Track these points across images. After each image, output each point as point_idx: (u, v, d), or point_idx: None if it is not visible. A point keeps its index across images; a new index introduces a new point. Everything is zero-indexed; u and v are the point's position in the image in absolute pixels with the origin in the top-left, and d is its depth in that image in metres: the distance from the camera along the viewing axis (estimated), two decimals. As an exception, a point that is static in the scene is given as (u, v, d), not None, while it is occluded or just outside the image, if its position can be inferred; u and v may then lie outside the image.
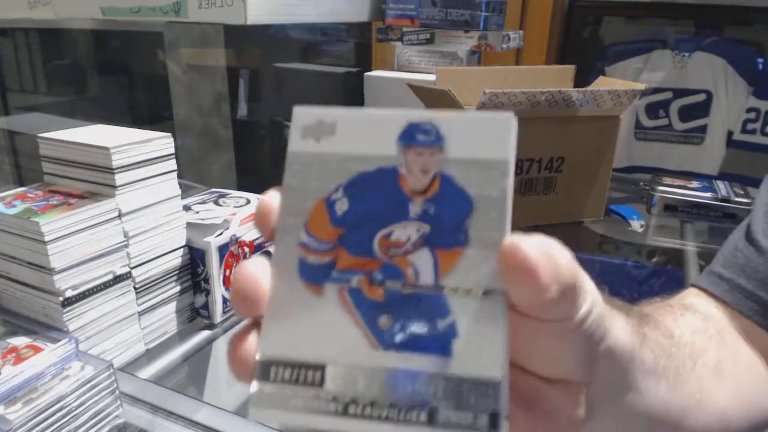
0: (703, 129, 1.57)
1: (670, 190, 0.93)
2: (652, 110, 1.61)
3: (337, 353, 0.19)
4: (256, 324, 0.20)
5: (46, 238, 0.50)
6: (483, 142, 0.20)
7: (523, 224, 0.86)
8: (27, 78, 1.89)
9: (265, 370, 0.20)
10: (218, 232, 0.64)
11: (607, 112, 0.85)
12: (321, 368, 0.19)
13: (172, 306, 0.64)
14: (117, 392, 0.51)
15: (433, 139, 0.20)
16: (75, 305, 0.53)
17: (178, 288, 0.64)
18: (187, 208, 0.68)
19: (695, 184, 0.95)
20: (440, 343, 0.19)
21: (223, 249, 0.64)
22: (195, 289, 0.66)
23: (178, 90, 1.42)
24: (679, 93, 1.57)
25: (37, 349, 0.49)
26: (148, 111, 1.81)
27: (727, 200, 0.89)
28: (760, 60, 1.51)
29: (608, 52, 1.64)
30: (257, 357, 0.20)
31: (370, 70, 1.12)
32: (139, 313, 0.60)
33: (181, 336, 0.65)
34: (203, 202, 0.71)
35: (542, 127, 0.83)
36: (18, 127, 1.78)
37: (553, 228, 0.90)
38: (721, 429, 0.34)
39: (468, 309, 0.19)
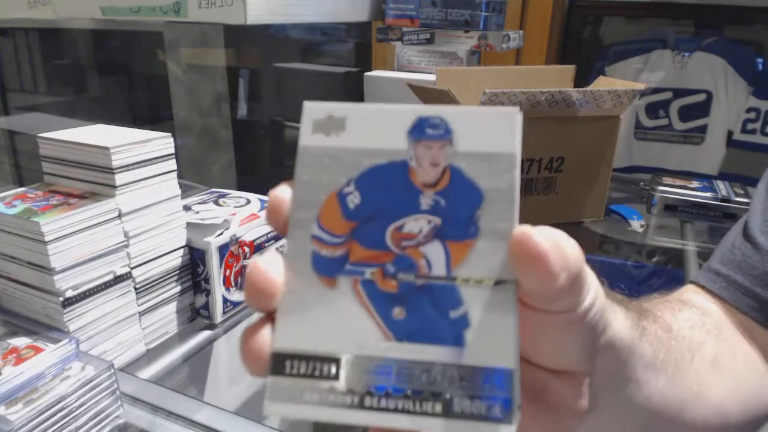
0: (703, 129, 1.57)
1: (670, 190, 0.93)
2: (652, 110, 1.61)
3: (351, 345, 0.20)
4: (268, 318, 0.20)
5: (47, 238, 0.50)
6: (490, 135, 0.20)
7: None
8: (27, 78, 1.89)
9: (279, 363, 0.20)
10: (218, 232, 0.64)
11: (607, 112, 0.85)
12: (336, 361, 0.19)
13: (172, 306, 0.64)
14: (117, 392, 0.51)
15: (442, 133, 0.21)
16: (75, 305, 0.53)
17: (178, 288, 0.64)
18: (187, 208, 0.68)
19: (695, 184, 0.95)
20: (453, 334, 0.19)
21: (223, 249, 0.64)
22: (195, 289, 0.66)
23: (178, 90, 1.42)
24: (679, 93, 1.57)
25: (38, 350, 0.49)
26: (148, 111, 1.81)
27: (727, 200, 0.89)
28: (760, 60, 1.52)
29: (608, 52, 1.64)
30: (271, 350, 0.20)
31: (370, 70, 1.12)
32: (139, 313, 0.60)
33: (182, 336, 0.65)
34: (203, 202, 0.71)
35: (542, 127, 0.83)
36: (18, 127, 1.78)
37: (553, 228, 0.89)
38: (719, 423, 0.34)
39: (480, 299, 0.19)
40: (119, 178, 0.56)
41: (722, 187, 0.94)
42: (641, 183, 1.10)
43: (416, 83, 0.89)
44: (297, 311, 0.20)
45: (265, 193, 0.74)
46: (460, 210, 0.20)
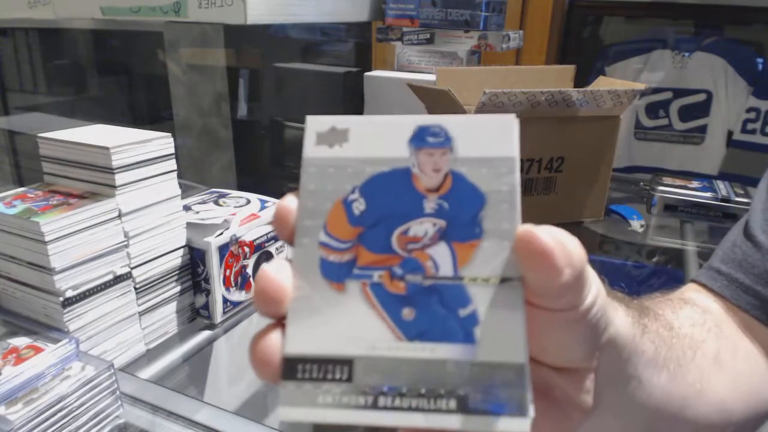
0: (703, 129, 1.57)
1: (670, 190, 0.93)
2: (652, 110, 1.61)
3: (363, 347, 0.20)
4: (277, 324, 0.21)
5: (46, 238, 0.50)
6: (489, 141, 0.21)
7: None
8: (27, 78, 1.89)
9: (291, 368, 0.20)
10: (218, 232, 0.64)
11: (607, 112, 0.85)
12: (348, 362, 0.20)
13: (172, 306, 0.64)
14: (117, 392, 0.51)
15: (442, 141, 0.21)
16: (75, 305, 0.53)
17: (178, 288, 0.64)
18: (187, 208, 0.68)
19: (695, 184, 0.95)
20: (463, 332, 0.20)
21: (223, 249, 0.64)
22: (195, 289, 0.66)
23: (178, 90, 1.42)
24: (679, 93, 1.57)
25: (38, 350, 0.49)
26: (148, 111, 1.81)
27: (727, 200, 0.89)
28: (760, 60, 1.52)
29: (608, 52, 1.64)
30: (283, 355, 0.20)
31: (370, 70, 1.12)
32: (139, 313, 0.60)
33: (182, 336, 0.65)
34: (203, 202, 0.71)
35: (542, 127, 0.83)
36: (18, 127, 1.78)
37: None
38: (721, 419, 0.34)
39: (487, 297, 0.20)
40: (119, 178, 0.56)
41: (722, 187, 0.94)
42: (641, 183, 1.10)
43: (416, 83, 0.89)
44: (307, 316, 0.20)
45: (265, 193, 0.75)
46: (463, 212, 0.21)
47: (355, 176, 0.21)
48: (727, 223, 0.89)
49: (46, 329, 0.53)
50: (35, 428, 0.44)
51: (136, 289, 0.59)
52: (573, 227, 0.92)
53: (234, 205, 0.70)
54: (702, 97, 1.55)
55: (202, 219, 0.65)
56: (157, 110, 1.71)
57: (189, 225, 0.64)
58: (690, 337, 0.33)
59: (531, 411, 0.18)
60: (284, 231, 0.22)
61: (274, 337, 0.20)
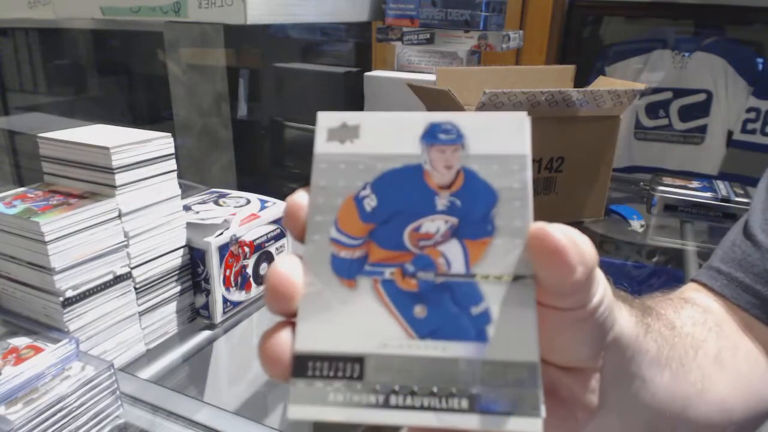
0: (703, 129, 1.57)
1: (670, 190, 0.93)
2: (652, 110, 1.61)
3: (374, 345, 0.20)
4: (287, 322, 0.20)
5: (46, 238, 0.50)
6: (501, 138, 0.21)
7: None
8: (27, 78, 1.89)
9: (302, 365, 0.20)
10: (218, 232, 0.64)
11: (607, 112, 0.85)
12: (359, 360, 0.19)
13: (172, 306, 0.64)
14: (117, 392, 0.51)
15: (454, 138, 0.21)
16: (75, 305, 0.53)
17: (178, 288, 0.64)
18: (187, 208, 0.68)
19: (695, 184, 0.95)
20: (475, 330, 0.20)
21: (223, 249, 0.64)
22: (195, 289, 0.66)
23: (178, 90, 1.42)
24: (679, 93, 1.57)
25: (38, 350, 0.49)
26: (148, 111, 1.81)
27: (727, 200, 0.89)
28: (760, 60, 1.52)
29: (608, 52, 1.64)
30: (293, 352, 0.20)
31: (370, 70, 1.11)
32: (139, 313, 0.60)
33: (182, 336, 0.65)
34: (203, 202, 0.71)
35: (542, 127, 0.83)
36: (18, 127, 1.78)
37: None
38: (722, 419, 0.34)
39: (500, 295, 0.20)
40: (119, 178, 0.56)
41: (722, 187, 0.94)
42: (641, 183, 1.10)
43: (416, 83, 0.89)
44: (318, 313, 0.20)
45: (265, 193, 0.75)
46: (475, 209, 0.21)
47: (366, 172, 0.21)
48: (727, 223, 0.89)
49: (46, 329, 0.53)
50: (35, 428, 0.44)
51: (136, 289, 0.59)
52: (573, 227, 0.91)
53: (234, 205, 0.70)
54: (702, 97, 1.55)
55: (202, 219, 0.65)
56: (157, 110, 1.71)
57: (189, 225, 0.64)
58: (692, 337, 0.33)
59: (543, 411, 0.18)
60: (295, 227, 0.21)
61: (284, 335, 0.20)
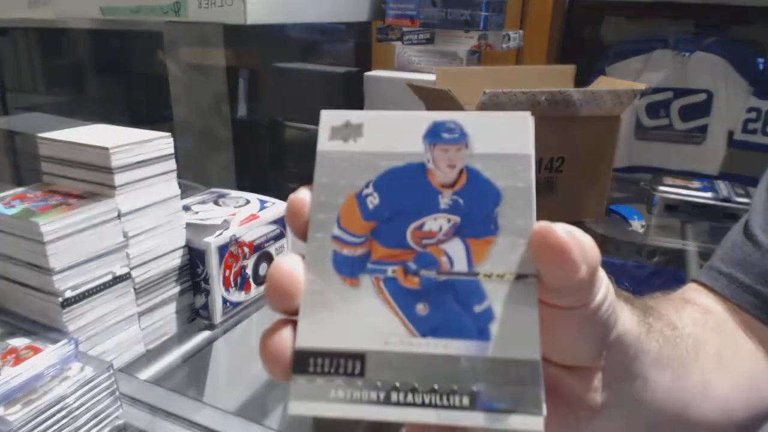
0: (703, 129, 1.57)
1: (670, 190, 0.93)
2: (652, 110, 1.61)
3: (375, 342, 0.20)
4: (288, 320, 0.20)
5: (46, 239, 0.50)
6: (505, 138, 0.21)
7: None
8: (27, 78, 1.89)
9: (303, 362, 0.20)
10: (218, 233, 0.64)
11: (608, 112, 0.85)
12: (361, 357, 0.19)
13: (171, 307, 0.64)
14: (117, 393, 0.51)
15: (457, 137, 0.21)
16: (74, 306, 0.53)
17: (177, 288, 0.64)
18: (186, 208, 0.68)
19: (696, 184, 0.95)
20: (478, 328, 0.20)
21: (222, 249, 0.64)
22: (195, 289, 0.66)
23: (178, 90, 1.42)
24: (679, 93, 1.57)
25: (37, 350, 0.49)
26: (148, 111, 1.81)
27: (727, 200, 0.89)
28: (761, 60, 1.51)
29: (608, 52, 1.63)
30: (294, 349, 0.20)
31: (370, 70, 1.11)
32: (138, 313, 0.60)
33: (181, 337, 0.65)
34: (203, 202, 0.71)
35: (542, 127, 0.82)
36: (18, 127, 1.78)
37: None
38: (723, 419, 0.34)
39: (502, 293, 0.20)
40: (119, 178, 0.55)
41: (723, 187, 0.93)
42: (642, 183, 1.10)
43: (416, 83, 0.89)
44: (319, 310, 0.20)
45: (265, 193, 0.74)
46: (479, 208, 0.21)
47: (369, 170, 0.21)
48: (727, 224, 0.88)
49: (45, 330, 0.53)
50: (34, 429, 0.44)
51: (135, 289, 0.59)
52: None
53: (233, 205, 0.70)
54: (702, 96, 1.55)
55: (202, 219, 0.65)
56: (157, 110, 1.71)
57: (188, 225, 0.64)
58: (693, 337, 0.33)
59: (544, 409, 0.18)
60: (297, 225, 0.21)
61: (285, 333, 0.20)
